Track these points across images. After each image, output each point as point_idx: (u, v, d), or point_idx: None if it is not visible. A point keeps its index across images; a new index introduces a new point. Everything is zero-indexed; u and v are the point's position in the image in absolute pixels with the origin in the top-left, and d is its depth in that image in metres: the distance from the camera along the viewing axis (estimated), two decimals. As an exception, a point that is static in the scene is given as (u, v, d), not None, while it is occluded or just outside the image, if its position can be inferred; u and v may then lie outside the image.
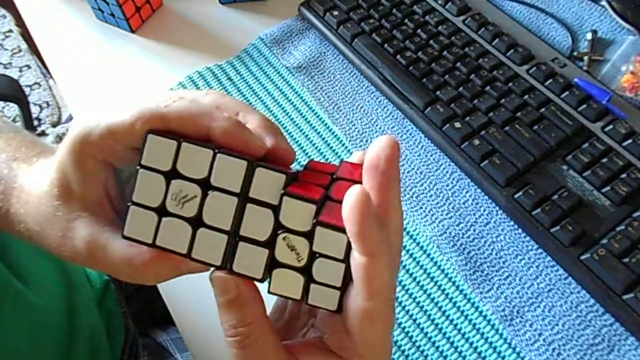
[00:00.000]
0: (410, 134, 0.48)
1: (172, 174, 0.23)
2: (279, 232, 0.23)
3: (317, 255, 0.23)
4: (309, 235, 0.23)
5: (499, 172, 0.42)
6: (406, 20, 0.52)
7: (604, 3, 0.54)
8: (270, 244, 0.23)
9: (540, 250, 0.41)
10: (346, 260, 0.22)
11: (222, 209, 0.23)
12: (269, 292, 0.23)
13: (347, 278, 0.23)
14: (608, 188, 0.41)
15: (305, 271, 0.23)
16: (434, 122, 0.46)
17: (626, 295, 0.37)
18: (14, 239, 0.44)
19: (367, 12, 0.53)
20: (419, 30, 0.52)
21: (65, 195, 0.25)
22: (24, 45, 1.68)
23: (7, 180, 0.29)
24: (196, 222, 0.23)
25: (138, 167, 0.23)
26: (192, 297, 0.42)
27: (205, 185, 0.23)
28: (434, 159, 0.46)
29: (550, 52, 0.49)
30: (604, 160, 0.42)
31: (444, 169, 0.46)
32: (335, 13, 0.53)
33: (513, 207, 0.41)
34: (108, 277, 0.53)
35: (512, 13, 0.55)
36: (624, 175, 0.41)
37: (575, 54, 0.51)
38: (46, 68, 1.25)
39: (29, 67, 1.67)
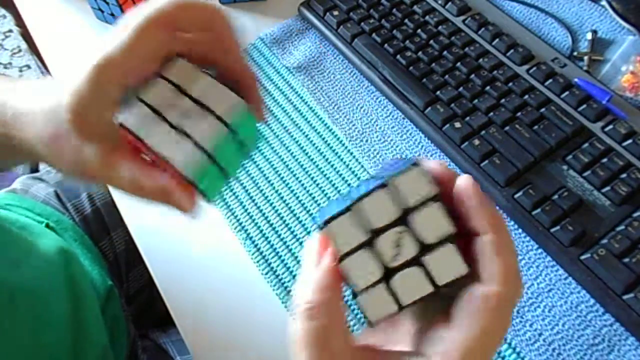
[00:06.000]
0: (410, 134, 0.48)
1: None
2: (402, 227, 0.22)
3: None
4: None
5: (499, 172, 0.42)
6: (406, 20, 0.52)
7: (604, 3, 0.54)
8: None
9: (540, 250, 0.41)
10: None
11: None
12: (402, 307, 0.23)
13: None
14: (608, 188, 0.41)
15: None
16: (434, 122, 0.46)
17: (626, 295, 0.37)
18: (28, 256, 0.44)
19: (367, 12, 0.53)
20: (419, 30, 0.52)
21: (80, 121, 0.26)
22: (24, 45, 1.68)
23: None
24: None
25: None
26: (192, 298, 0.42)
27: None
28: (434, 159, 0.46)
29: (550, 52, 0.49)
30: (604, 160, 0.42)
31: (444, 169, 0.46)
32: (335, 13, 0.53)
33: (513, 207, 0.41)
34: (111, 282, 0.53)
35: (512, 13, 0.55)
36: (624, 175, 0.41)
37: (575, 54, 0.51)
38: (46, 68, 1.25)
39: (29, 67, 1.67)
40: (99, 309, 0.49)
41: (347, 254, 0.22)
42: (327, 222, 0.22)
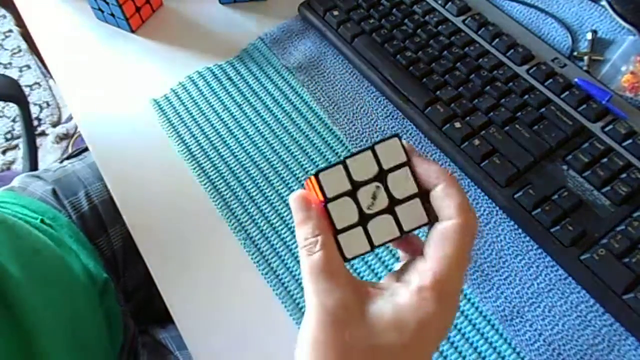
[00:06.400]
0: (410, 134, 0.48)
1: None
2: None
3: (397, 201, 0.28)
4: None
5: (499, 172, 0.42)
6: (406, 20, 0.53)
7: (604, 3, 0.54)
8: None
9: (540, 250, 0.41)
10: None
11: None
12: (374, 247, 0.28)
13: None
14: (608, 188, 0.41)
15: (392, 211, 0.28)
16: (434, 122, 0.46)
17: (626, 295, 0.37)
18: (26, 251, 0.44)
19: (367, 12, 0.53)
20: (419, 30, 0.52)
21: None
22: (24, 45, 1.68)
23: None
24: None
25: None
26: (191, 295, 0.42)
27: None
28: (434, 159, 0.46)
29: (550, 52, 0.49)
30: (604, 160, 0.42)
31: (444, 169, 0.46)
32: (335, 13, 0.53)
33: (513, 207, 0.41)
34: (107, 275, 0.53)
35: (512, 13, 0.55)
36: (624, 175, 0.41)
37: (575, 54, 0.51)
38: (46, 68, 1.25)
39: (29, 67, 1.67)
40: (96, 299, 0.49)
41: (332, 199, 0.27)
42: (319, 171, 0.27)
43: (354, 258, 0.28)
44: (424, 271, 0.26)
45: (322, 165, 0.27)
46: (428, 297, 0.25)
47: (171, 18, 0.59)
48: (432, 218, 0.28)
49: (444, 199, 0.27)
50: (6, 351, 0.37)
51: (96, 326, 0.48)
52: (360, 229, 0.27)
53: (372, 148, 0.27)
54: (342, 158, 0.27)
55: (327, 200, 0.27)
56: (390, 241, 0.28)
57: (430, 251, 0.27)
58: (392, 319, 0.25)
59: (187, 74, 0.54)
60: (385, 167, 0.27)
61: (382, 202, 0.27)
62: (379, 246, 0.28)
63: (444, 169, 0.28)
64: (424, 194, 0.28)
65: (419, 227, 0.28)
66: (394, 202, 0.28)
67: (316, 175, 0.27)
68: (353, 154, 0.27)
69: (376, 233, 0.28)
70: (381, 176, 0.27)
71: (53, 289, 0.44)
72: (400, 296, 0.26)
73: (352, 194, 0.27)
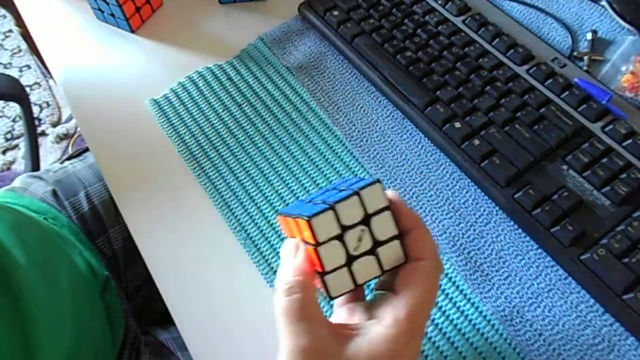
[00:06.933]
0: (410, 134, 0.48)
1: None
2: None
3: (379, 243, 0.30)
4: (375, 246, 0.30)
5: (499, 172, 0.42)
6: (406, 20, 0.52)
7: (604, 3, 0.54)
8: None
9: (540, 250, 0.41)
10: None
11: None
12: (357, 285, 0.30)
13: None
14: (608, 188, 0.41)
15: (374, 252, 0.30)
16: (434, 122, 0.46)
17: (626, 295, 0.37)
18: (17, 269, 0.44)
19: (367, 12, 0.53)
20: (419, 30, 0.52)
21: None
22: (24, 45, 1.68)
23: None
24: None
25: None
26: (191, 296, 0.42)
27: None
28: (434, 159, 0.46)
29: (550, 52, 0.49)
30: (604, 160, 0.42)
31: (444, 169, 0.46)
32: (335, 13, 0.53)
33: (513, 207, 0.41)
34: (107, 272, 0.53)
35: (512, 13, 0.55)
36: (624, 175, 0.41)
37: (575, 54, 0.51)
38: (46, 68, 1.25)
39: (29, 67, 1.67)
40: (97, 293, 0.50)
41: (323, 243, 0.28)
42: (312, 216, 0.28)
43: (338, 296, 0.29)
44: (399, 305, 0.28)
45: (313, 210, 0.29)
46: (402, 328, 0.27)
47: (171, 18, 0.59)
48: (406, 258, 0.30)
49: (419, 241, 0.29)
50: (7, 337, 0.37)
51: (97, 320, 0.49)
52: (345, 269, 0.29)
53: (357, 193, 0.29)
54: (332, 201, 0.29)
55: (319, 244, 0.28)
56: (371, 279, 0.30)
57: (405, 287, 0.29)
58: (367, 354, 0.27)
59: (187, 74, 0.54)
60: (370, 211, 0.29)
61: (367, 244, 0.29)
62: (361, 285, 0.29)
63: (418, 217, 0.31)
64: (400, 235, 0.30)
65: (397, 267, 0.30)
66: (376, 243, 0.29)
67: (308, 220, 0.28)
68: (340, 200, 0.29)
69: (360, 273, 0.29)
70: (366, 220, 0.29)
71: (56, 279, 0.44)
72: (374, 332, 0.28)
73: (340, 237, 0.29)
